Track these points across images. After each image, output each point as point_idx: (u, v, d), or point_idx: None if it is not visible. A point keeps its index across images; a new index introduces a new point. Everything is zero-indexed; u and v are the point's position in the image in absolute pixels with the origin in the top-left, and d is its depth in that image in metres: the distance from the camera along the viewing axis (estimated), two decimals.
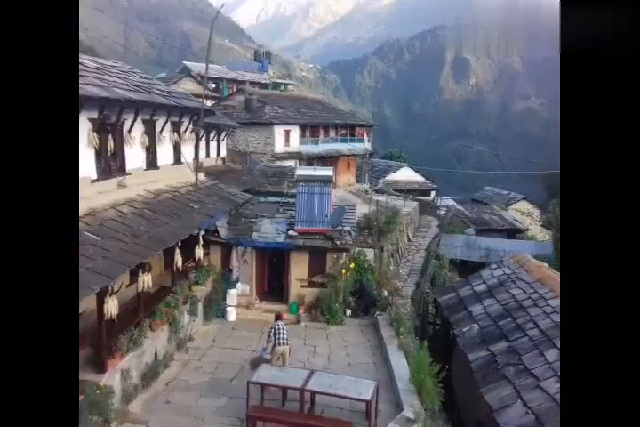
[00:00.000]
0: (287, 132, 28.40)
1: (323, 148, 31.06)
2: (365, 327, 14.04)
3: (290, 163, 27.35)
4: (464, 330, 12.17)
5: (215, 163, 19.99)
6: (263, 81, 47.30)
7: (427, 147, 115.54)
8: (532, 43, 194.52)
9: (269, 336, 10.49)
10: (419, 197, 35.93)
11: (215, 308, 14.20)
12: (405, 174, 42.23)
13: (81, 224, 8.60)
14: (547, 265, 14.76)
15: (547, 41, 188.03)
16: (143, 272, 9.78)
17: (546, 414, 8.06)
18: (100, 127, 10.20)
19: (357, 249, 15.86)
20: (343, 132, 34.02)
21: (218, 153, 20.59)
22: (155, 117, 12.85)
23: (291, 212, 15.69)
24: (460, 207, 37.65)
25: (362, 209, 19.74)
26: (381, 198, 25.17)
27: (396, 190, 36.25)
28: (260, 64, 53.06)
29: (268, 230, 15.02)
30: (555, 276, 13.30)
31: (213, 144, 19.85)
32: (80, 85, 8.57)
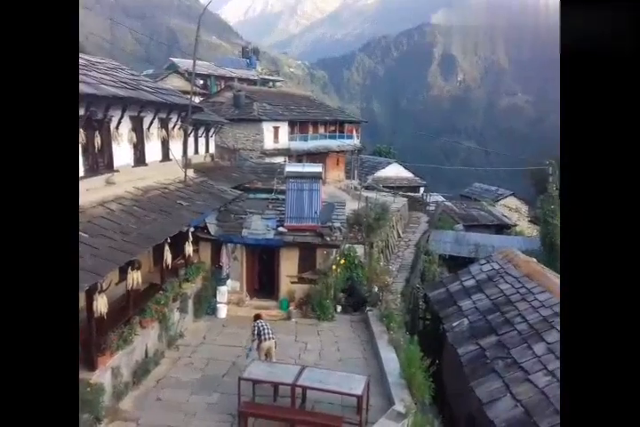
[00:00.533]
0: (276, 129, 28.30)
1: (312, 144, 30.99)
2: (356, 323, 14.09)
3: (279, 159, 27.26)
4: (454, 325, 12.26)
5: (204, 159, 19.89)
6: (251, 77, 47.06)
7: (415, 143, 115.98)
8: (518, 40, 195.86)
9: (253, 335, 10.51)
10: (408, 194, 36.09)
11: (205, 305, 14.15)
12: (394, 171, 42.38)
13: None
14: (534, 260, 14.92)
15: (533, 39, 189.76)
16: (132, 270, 9.73)
17: (535, 407, 8.17)
18: (87, 124, 10.13)
19: (347, 245, 15.90)
20: (332, 128, 33.98)
21: (207, 150, 20.47)
22: (142, 114, 12.77)
23: (280, 208, 15.67)
24: (449, 203, 37.88)
25: (351, 205, 19.78)
26: (371, 195, 25.28)
27: (385, 187, 36.41)
28: (248, 61, 52.86)
29: (258, 227, 14.98)
30: (542, 270, 13.45)
31: (202, 141, 19.73)
32: None
